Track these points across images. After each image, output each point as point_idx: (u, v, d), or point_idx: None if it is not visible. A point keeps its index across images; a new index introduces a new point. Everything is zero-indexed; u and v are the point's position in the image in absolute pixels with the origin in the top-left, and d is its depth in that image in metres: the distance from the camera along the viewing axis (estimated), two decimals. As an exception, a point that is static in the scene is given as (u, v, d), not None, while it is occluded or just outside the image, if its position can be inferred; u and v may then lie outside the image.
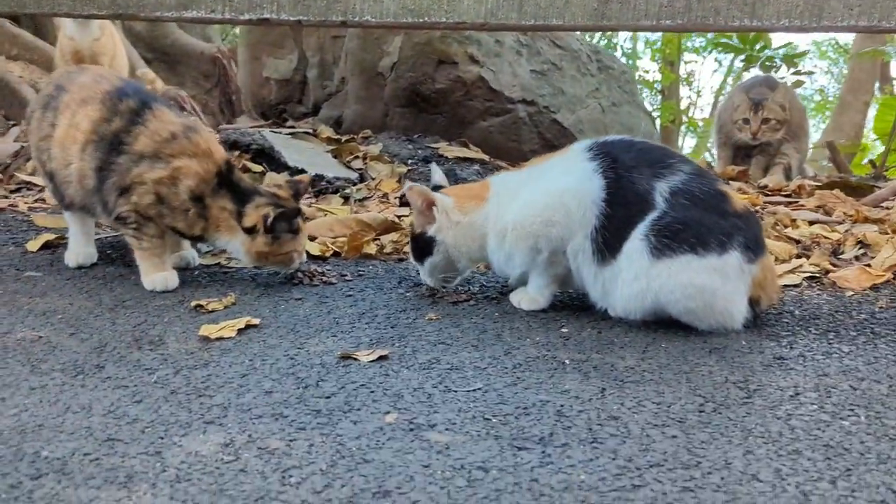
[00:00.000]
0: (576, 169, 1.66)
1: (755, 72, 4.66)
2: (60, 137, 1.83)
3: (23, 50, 5.00)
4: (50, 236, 2.19)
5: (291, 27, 3.40)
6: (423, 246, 1.79)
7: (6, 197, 2.73)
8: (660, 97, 16.03)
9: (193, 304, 1.73)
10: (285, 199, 1.85)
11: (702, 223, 1.56)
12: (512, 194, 1.74)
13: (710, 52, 14.75)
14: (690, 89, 18.69)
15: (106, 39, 3.64)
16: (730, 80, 16.86)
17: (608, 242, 1.61)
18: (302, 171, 2.72)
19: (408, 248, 2.24)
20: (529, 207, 1.68)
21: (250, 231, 1.81)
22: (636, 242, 1.58)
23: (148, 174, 1.75)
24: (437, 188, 1.85)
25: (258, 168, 2.77)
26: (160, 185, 1.76)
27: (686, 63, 17.26)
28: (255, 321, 1.63)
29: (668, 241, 1.55)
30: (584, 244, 1.64)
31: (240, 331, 1.58)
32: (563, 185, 1.65)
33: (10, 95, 4.32)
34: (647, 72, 16.14)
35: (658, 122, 10.68)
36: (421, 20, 2.35)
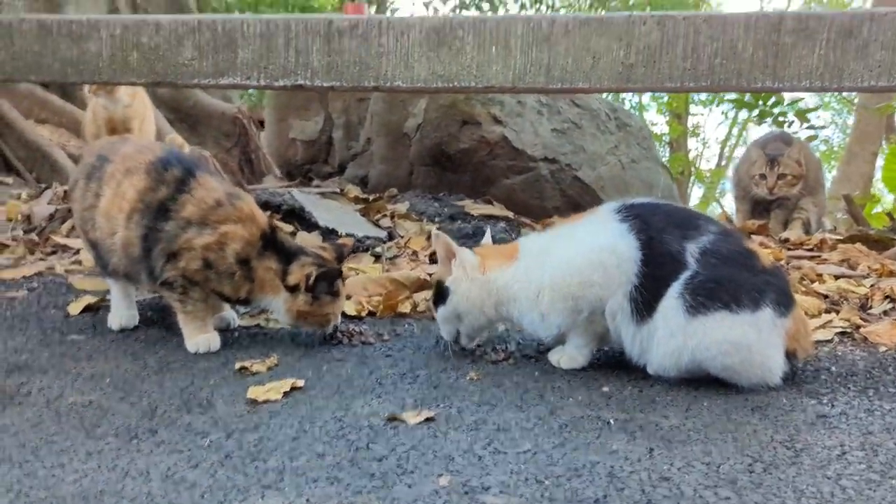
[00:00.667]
0: (609, 229, 1.70)
1: (767, 127, 4.74)
2: (105, 207, 1.89)
3: (52, 114, 5.15)
4: (90, 299, 2.24)
5: (318, 91, 3.50)
6: (438, 293, 1.84)
7: (43, 259, 2.79)
8: (668, 149, 16.23)
9: (238, 365, 1.76)
10: (329, 261, 1.89)
11: (733, 280, 1.60)
12: (543, 256, 1.77)
13: (717, 105, 14.96)
14: (697, 141, 18.93)
15: (137, 104, 3.75)
16: (735, 131, 17.08)
17: (645, 301, 1.64)
18: (332, 231, 2.78)
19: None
20: (566, 268, 1.71)
21: (293, 289, 1.85)
22: (671, 301, 1.61)
23: (196, 240, 1.80)
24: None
25: (289, 228, 2.83)
26: (208, 250, 1.81)
27: (692, 115, 17.52)
28: (300, 383, 1.65)
29: (703, 298, 1.58)
30: (623, 303, 1.67)
31: (286, 393, 1.61)
32: (600, 245, 1.69)
33: (42, 159, 4.44)
34: (654, 124, 16.39)
35: (669, 174, 10.77)
36: (450, 84, 2.43)
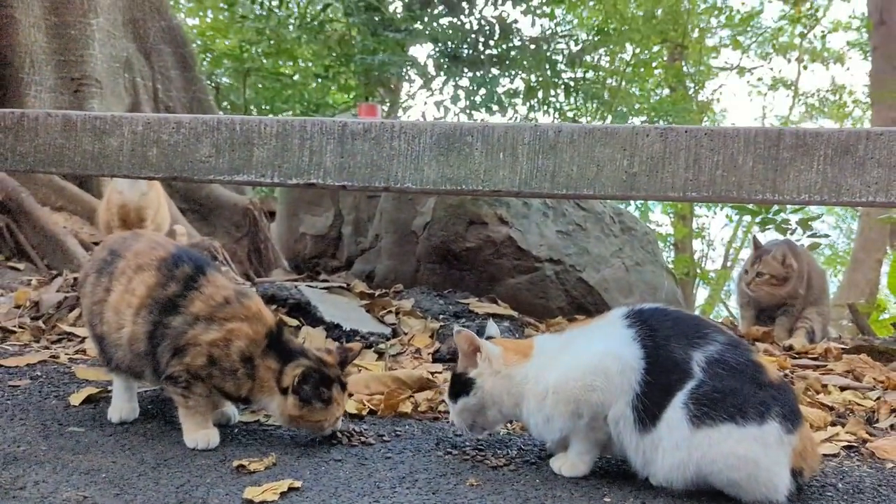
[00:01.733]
0: (615, 335, 1.71)
1: (771, 234, 4.81)
2: (114, 302, 1.91)
3: (67, 202, 5.26)
4: (93, 390, 2.23)
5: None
6: (460, 385, 1.83)
7: (47, 348, 2.80)
8: (673, 250, 16.36)
9: (236, 463, 1.74)
10: (330, 365, 1.89)
11: (740, 393, 1.59)
12: (553, 357, 1.78)
13: (722, 208, 15.19)
14: (703, 242, 19.09)
15: (152, 194, 3.84)
16: (740, 233, 17.24)
17: (648, 410, 1.63)
18: (337, 326, 2.79)
19: (443, 407, 2.26)
20: (570, 371, 1.71)
21: (284, 391, 1.85)
22: (676, 411, 1.60)
23: (202, 336, 1.82)
24: (489, 338, 1.91)
25: (294, 322, 2.84)
26: (213, 346, 1.82)
27: (697, 217, 17.74)
28: (297, 484, 1.63)
29: (708, 409, 1.58)
30: (626, 411, 1.66)
31: (282, 494, 1.59)
32: (603, 350, 1.70)
33: (55, 246, 4.50)
34: (660, 225, 16.58)
35: (674, 275, 10.80)
36: (459, 187, 2.49)
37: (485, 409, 1.82)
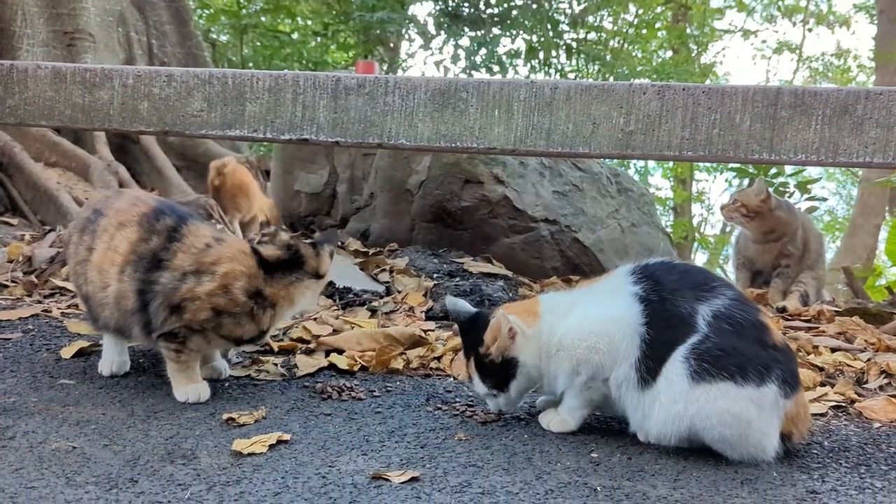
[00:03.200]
0: (620, 295, 1.70)
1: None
2: (97, 261, 1.87)
3: (62, 157, 5.22)
4: (83, 343, 2.24)
5: (325, 145, 3.55)
6: (503, 372, 1.75)
7: (40, 302, 2.79)
8: (672, 214, 16.33)
9: (225, 416, 1.75)
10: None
11: (742, 352, 1.58)
12: (563, 314, 1.76)
13: (721, 173, 15.13)
14: (702, 206, 19.05)
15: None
16: (741, 198, 17.16)
17: (650, 368, 1.63)
18: (330, 284, 2.78)
19: (436, 365, 2.27)
20: (576, 331, 1.71)
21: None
22: (676, 365, 1.60)
23: (198, 289, 1.80)
24: (461, 314, 1.87)
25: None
26: (214, 296, 1.80)
27: (697, 181, 17.68)
28: (286, 437, 1.64)
29: (709, 366, 1.57)
30: (629, 374, 1.66)
31: (271, 446, 1.59)
32: (609, 315, 1.68)
33: (48, 202, 4.48)
34: (659, 189, 16.52)
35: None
36: (453, 145, 2.47)
37: (533, 381, 1.78)
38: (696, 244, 15.82)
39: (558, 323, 1.75)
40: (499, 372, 1.76)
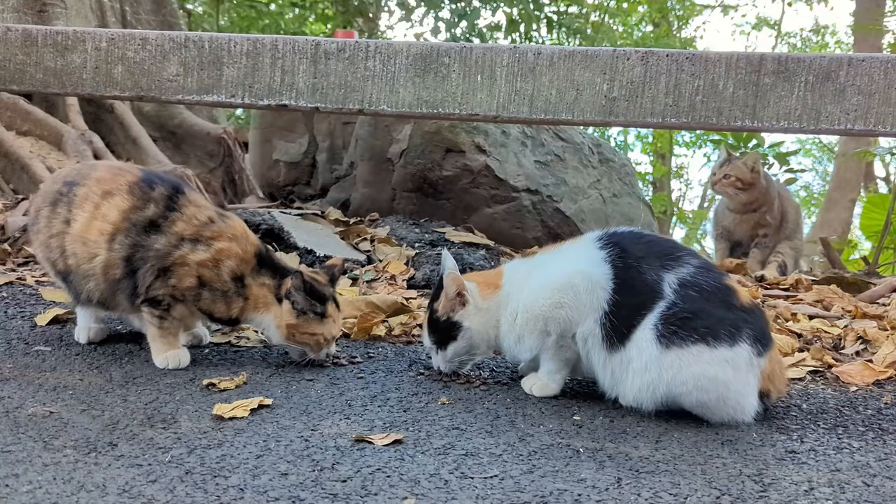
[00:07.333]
0: (585, 254, 1.71)
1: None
2: (80, 231, 1.81)
3: (34, 126, 5.10)
4: (59, 310, 2.20)
5: (304, 112, 3.50)
6: (446, 331, 1.80)
7: (14, 270, 2.74)
8: (651, 188, 16.41)
9: (205, 382, 1.73)
10: (322, 283, 1.88)
11: (711, 315, 1.59)
12: (523, 279, 1.78)
13: (700, 147, 15.21)
14: (681, 182, 19.17)
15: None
16: (719, 173, 17.30)
17: (617, 329, 1.64)
18: (310, 252, 2.76)
19: (418, 332, 2.26)
20: (539, 290, 1.71)
21: (281, 300, 1.84)
22: (646, 331, 1.60)
23: (191, 256, 1.77)
24: (443, 270, 1.88)
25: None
26: (203, 267, 1.78)
27: (676, 156, 17.76)
28: (268, 401, 1.63)
29: (678, 330, 1.58)
30: (594, 329, 1.66)
31: (252, 410, 1.58)
32: (573, 269, 1.69)
33: (21, 170, 4.39)
34: (638, 164, 16.60)
35: (651, 212, 10.91)
36: (435, 111, 2.44)
37: (473, 348, 1.81)
38: (674, 219, 15.94)
39: (520, 289, 1.76)
40: (442, 330, 1.81)
